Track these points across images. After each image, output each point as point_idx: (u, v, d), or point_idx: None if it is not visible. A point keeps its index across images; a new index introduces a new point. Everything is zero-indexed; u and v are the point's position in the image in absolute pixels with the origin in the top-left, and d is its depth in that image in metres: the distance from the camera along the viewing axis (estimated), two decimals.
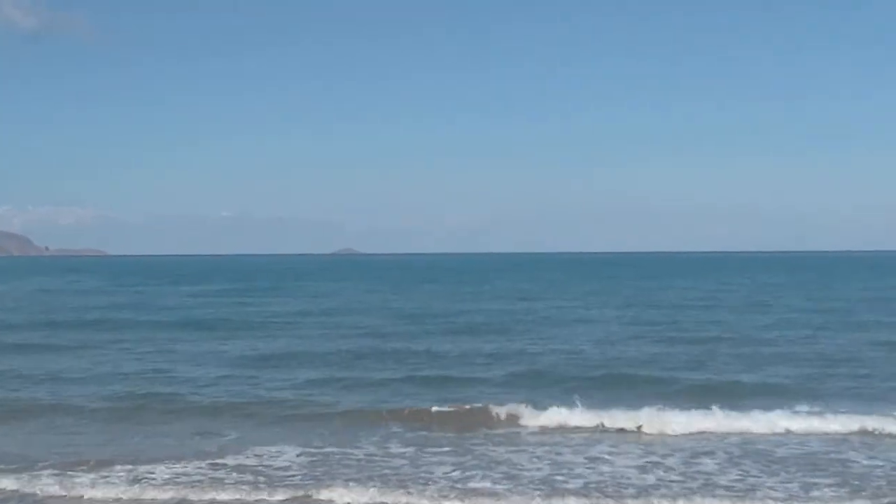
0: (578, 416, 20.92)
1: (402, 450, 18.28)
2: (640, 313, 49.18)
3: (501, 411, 21.38)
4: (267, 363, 30.26)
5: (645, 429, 20.18)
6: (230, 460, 17.31)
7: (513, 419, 21.10)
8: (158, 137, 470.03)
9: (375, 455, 17.80)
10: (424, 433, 20.06)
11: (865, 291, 69.87)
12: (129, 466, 16.72)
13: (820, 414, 20.86)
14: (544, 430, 20.37)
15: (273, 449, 18.16)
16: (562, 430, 20.36)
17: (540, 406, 21.48)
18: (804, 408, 21.37)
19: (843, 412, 20.98)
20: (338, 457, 17.61)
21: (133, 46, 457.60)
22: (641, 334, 38.15)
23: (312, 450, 18.12)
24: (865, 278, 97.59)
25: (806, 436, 19.68)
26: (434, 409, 21.89)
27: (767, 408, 21.14)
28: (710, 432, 19.94)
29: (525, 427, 20.68)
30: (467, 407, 22.00)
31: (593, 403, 21.56)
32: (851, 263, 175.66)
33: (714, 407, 20.96)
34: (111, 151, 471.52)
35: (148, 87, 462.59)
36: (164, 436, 19.76)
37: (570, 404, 21.35)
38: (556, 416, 21.00)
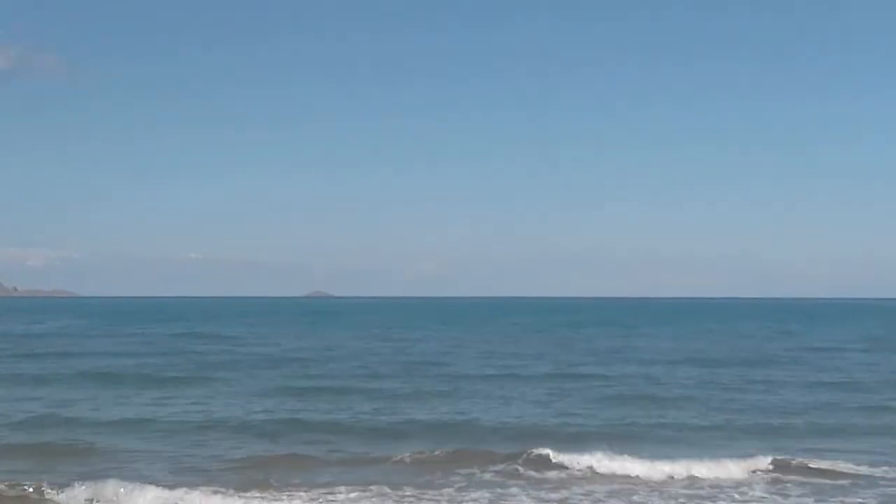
0: None
1: None
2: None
3: None
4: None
5: None
6: None
7: None
8: (127, 178, 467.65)
9: None
10: None
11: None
12: None
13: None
14: None
15: None
16: None
17: None
18: None
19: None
20: None
21: (103, 87, 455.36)
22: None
23: None
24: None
25: None
26: None
27: None
28: None
29: None
30: None
31: None
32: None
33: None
34: (80, 192, 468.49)
35: (116, 127, 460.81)
36: None
37: None
38: None
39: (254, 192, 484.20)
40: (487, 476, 20.50)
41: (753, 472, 20.90)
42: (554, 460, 21.41)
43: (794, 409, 30.41)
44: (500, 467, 21.11)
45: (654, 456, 21.73)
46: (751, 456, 21.64)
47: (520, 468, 21.04)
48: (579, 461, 21.22)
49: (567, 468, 21.08)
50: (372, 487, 19.11)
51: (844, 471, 21.05)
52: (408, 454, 22.11)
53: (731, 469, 20.86)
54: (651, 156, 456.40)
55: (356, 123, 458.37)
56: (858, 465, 21.47)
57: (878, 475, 20.79)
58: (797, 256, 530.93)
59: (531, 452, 21.78)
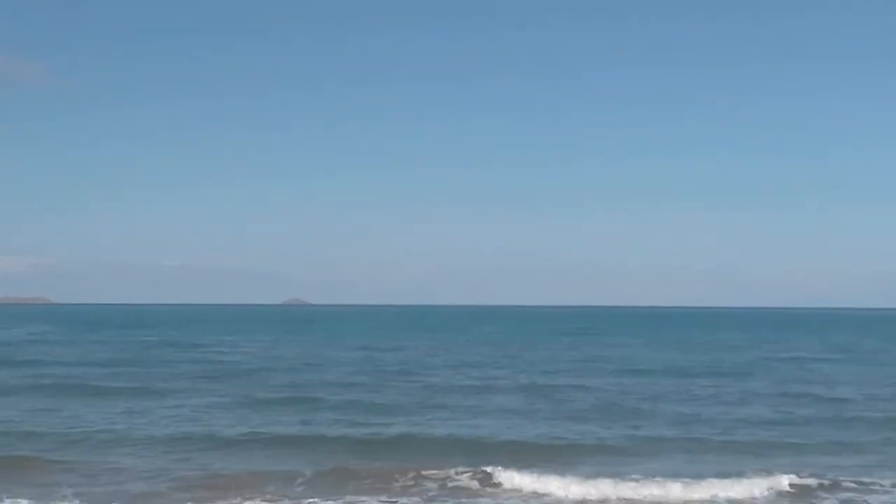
0: None
1: None
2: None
3: None
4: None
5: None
6: None
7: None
8: (103, 185, 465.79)
9: None
10: None
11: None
12: None
13: None
14: None
15: None
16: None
17: None
18: None
19: None
20: None
21: (80, 93, 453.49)
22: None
23: None
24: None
25: None
26: None
27: None
28: None
29: None
30: None
31: None
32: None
33: None
34: (58, 198, 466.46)
35: (94, 134, 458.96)
36: None
37: None
38: None
39: (232, 199, 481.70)
40: (415, 494, 20.14)
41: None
42: (497, 479, 21.03)
43: (756, 421, 30.23)
44: (433, 485, 20.78)
45: (620, 472, 21.50)
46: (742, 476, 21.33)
47: (459, 485, 20.72)
48: (524, 481, 20.85)
49: (515, 489, 20.65)
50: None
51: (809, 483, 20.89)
52: (330, 467, 21.81)
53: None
54: (633, 164, 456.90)
55: (335, 129, 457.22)
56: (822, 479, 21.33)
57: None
58: (775, 267, 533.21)
59: (477, 470, 21.43)
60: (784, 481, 20.94)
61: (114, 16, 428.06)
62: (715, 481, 20.81)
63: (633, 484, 20.58)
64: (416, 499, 19.82)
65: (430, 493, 20.22)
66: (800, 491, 20.69)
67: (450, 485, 20.84)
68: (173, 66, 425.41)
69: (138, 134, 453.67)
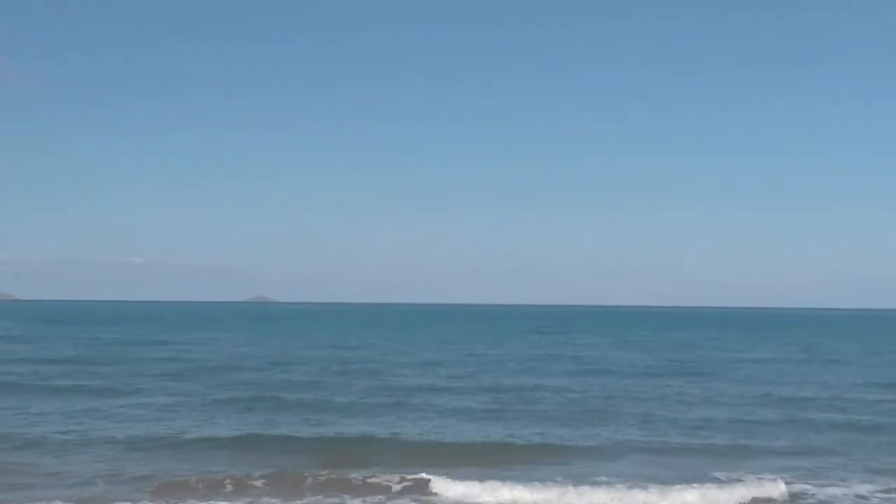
0: None
1: None
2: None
3: None
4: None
5: None
6: None
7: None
8: (67, 181, 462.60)
9: None
10: None
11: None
12: None
13: None
14: None
15: None
16: None
17: None
18: None
19: None
20: None
21: (44, 90, 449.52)
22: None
23: None
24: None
25: None
26: None
27: None
28: None
29: None
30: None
31: None
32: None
33: None
34: (19, 195, 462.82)
35: (57, 131, 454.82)
36: None
37: None
38: None
39: (196, 196, 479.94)
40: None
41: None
42: (433, 488, 20.77)
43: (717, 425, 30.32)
44: (356, 492, 20.58)
45: (578, 476, 21.45)
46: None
47: (382, 495, 20.51)
48: (459, 490, 20.56)
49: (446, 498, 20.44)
50: None
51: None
52: (229, 474, 21.57)
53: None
54: (593, 167, 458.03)
55: (299, 127, 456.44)
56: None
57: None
58: (728, 268, 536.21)
59: (406, 477, 21.23)
60: (751, 487, 20.92)
61: (107, 15, 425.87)
62: (680, 487, 20.68)
63: (586, 487, 20.43)
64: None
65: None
66: (765, 495, 20.67)
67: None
68: (131, 63, 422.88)
69: (101, 132, 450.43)
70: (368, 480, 21.21)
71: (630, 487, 20.51)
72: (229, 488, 20.69)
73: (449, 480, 20.84)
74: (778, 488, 20.67)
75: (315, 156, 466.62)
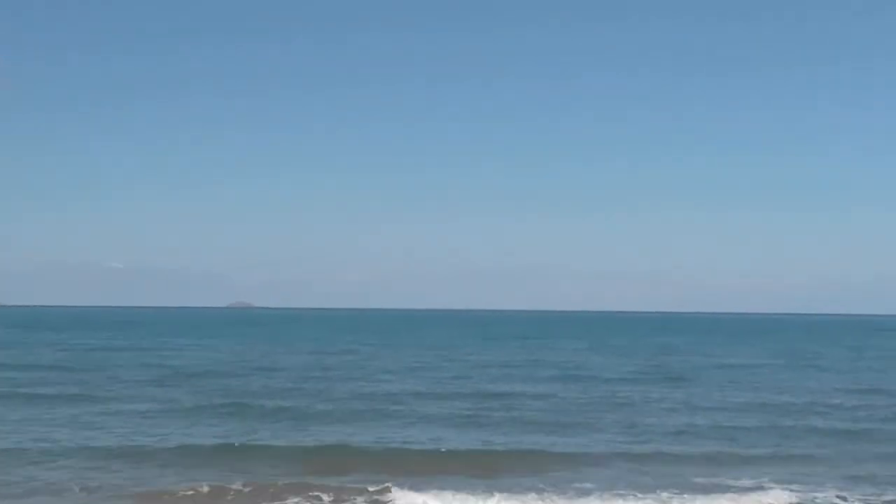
0: None
1: None
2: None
3: None
4: None
5: None
6: None
7: None
8: (49, 185, 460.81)
9: None
10: None
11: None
12: None
13: None
14: None
15: None
16: None
17: None
18: None
19: None
20: None
21: (39, 94, 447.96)
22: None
23: None
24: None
25: None
26: None
27: None
28: None
29: None
30: None
31: None
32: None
33: None
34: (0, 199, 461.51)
35: (40, 133, 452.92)
36: None
37: None
38: None
39: (177, 200, 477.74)
40: None
41: None
42: (395, 499, 20.78)
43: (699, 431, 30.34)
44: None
45: (552, 486, 21.42)
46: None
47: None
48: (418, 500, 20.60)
49: None
50: None
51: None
52: (205, 484, 21.48)
53: None
54: (579, 168, 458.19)
55: (279, 130, 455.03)
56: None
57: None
58: (727, 270, 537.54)
59: (368, 487, 21.24)
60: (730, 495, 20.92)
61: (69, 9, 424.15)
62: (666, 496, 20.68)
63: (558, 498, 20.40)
64: None
65: None
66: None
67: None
68: (120, 63, 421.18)
69: (83, 134, 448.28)
70: (334, 492, 21.14)
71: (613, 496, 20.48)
72: (206, 498, 20.57)
73: (412, 492, 20.79)
74: (761, 497, 20.72)
75: (310, 156, 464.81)
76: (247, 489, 21.21)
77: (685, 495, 20.78)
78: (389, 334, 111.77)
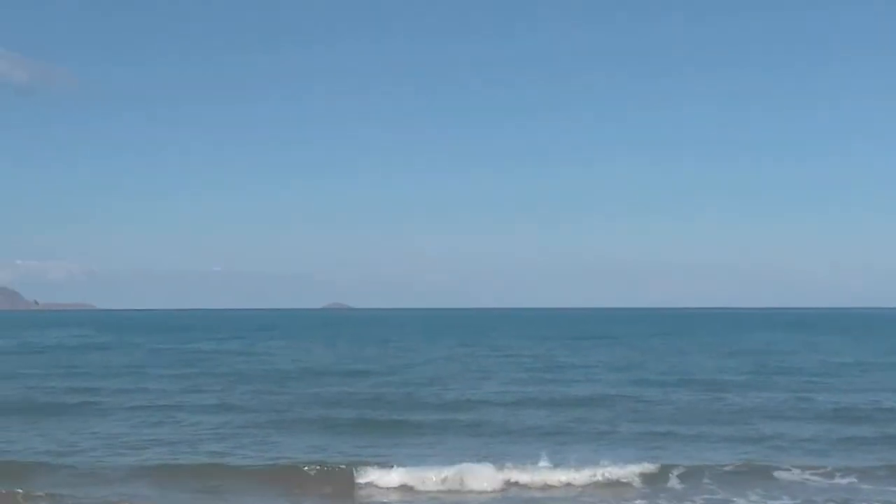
0: None
1: None
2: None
3: None
4: None
5: None
6: None
7: None
8: (145, 191, 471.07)
9: None
10: None
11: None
12: None
13: None
14: None
15: None
16: None
17: None
18: None
19: None
20: None
21: (119, 99, 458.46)
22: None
23: None
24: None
25: None
26: None
27: None
28: None
29: None
30: None
31: None
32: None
33: None
34: (99, 205, 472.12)
35: (134, 140, 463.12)
36: None
37: None
38: None
39: (275, 204, 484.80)
40: None
41: None
42: None
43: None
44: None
45: None
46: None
47: None
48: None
49: None
50: None
51: None
52: None
53: None
54: (647, 166, 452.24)
55: (371, 133, 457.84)
56: None
57: None
58: (817, 266, 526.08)
59: None
60: None
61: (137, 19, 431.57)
62: None
63: None
64: None
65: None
66: None
67: None
68: (200, 68, 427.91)
69: (179, 139, 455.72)
70: None
71: None
72: None
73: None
74: None
75: (398, 163, 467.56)
76: None
77: None
78: (485, 334, 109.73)
